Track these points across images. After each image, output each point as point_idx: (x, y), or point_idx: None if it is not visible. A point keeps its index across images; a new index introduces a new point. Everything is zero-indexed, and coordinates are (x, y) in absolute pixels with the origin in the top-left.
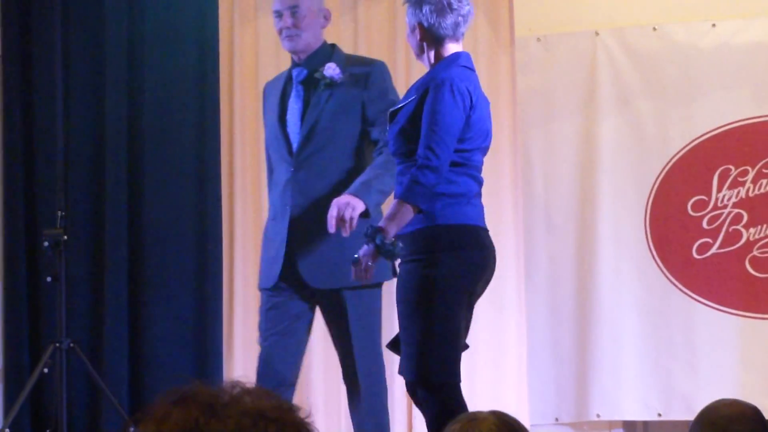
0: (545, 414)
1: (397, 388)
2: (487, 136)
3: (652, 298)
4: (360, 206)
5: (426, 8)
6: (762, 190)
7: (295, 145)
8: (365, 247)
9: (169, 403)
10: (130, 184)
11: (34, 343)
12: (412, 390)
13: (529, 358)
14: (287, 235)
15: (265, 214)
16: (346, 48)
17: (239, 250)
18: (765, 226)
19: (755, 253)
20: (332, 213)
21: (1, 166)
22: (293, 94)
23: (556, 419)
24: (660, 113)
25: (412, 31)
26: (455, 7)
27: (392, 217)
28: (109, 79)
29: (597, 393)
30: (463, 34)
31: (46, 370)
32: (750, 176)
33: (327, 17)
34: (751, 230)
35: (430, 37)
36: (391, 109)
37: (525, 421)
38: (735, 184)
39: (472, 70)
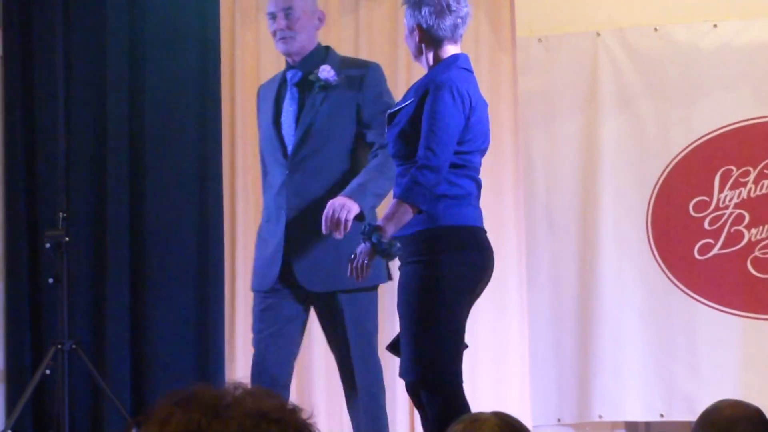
0: (547, 415)
1: (399, 389)
2: (485, 138)
3: (653, 299)
4: (355, 208)
5: (425, 10)
6: (763, 191)
7: (289, 148)
8: (362, 245)
9: (171, 405)
10: (132, 185)
11: (36, 344)
12: (413, 391)
13: (531, 359)
14: (284, 237)
15: None
16: (348, 49)
17: (241, 251)
18: (766, 226)
19: (757, 253)
20: (327, 214)
21: (3, 167)
22: (288, 96)
23: (559, 420)
24: (661, 114)
25: (411, 32)
26: (454, 8)
27: (391, 216)
28: (111, 79)
29: (599, 394)
30: (461, 36)
31: (48, 372)
32: (751, 177)
33: (321, 19)
34: (753, 231)
35: (428, 39)
36: (390, 111)
37: (527, 422)
38: (736, 184)
39: (471, 71)
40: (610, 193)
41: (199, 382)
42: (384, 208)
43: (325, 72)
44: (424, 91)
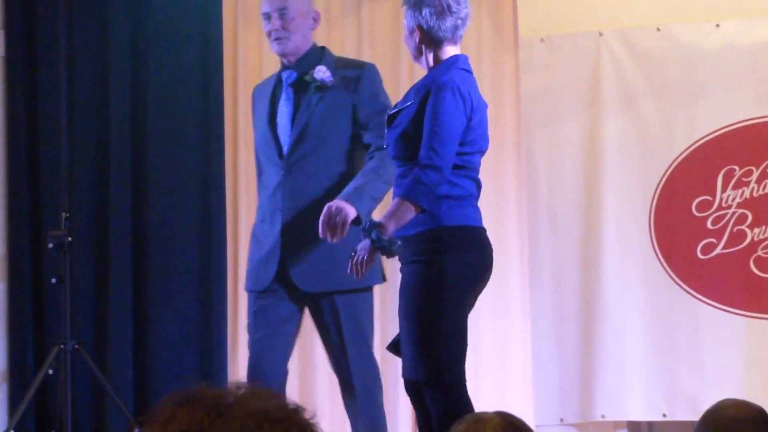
0: (550, 414)
1: (401, 388)
2: (485, 138)
3: (656, 299)
4: (352, 213)
5: (426, 11)
6: (766, 191)
7: (285, 148)
8: (363, 241)
9: (173, 405)
10: (135, 185)
11: (38, 345)
12: (413, 390)
13: (534, 359)
14: (279, 238)
15: None
16: (350, 49)
17: (243, 251)
18: None
19: (760, 253)
20: (323, 218)
21: (6, 168)
22: (283, 97)
23: (561, 420)
24: (664, 113)
25: (411, 33)
26: (454, 9)
27: (392, 214)
28: (113, 79)
29: (602, 393)
30: (461, 37)
31: (50, 372)
32: (754, 176)
33: (316, 19)
34: (756, 230)
35: (428, 40)
36: (389, 113)
37: (530, 422)
38: (739, 184)
39: (470, 72)
40: (612, 192)
41: (201, 382)
42: (382, 210)
43: (321, 72)
44: (425, 93)
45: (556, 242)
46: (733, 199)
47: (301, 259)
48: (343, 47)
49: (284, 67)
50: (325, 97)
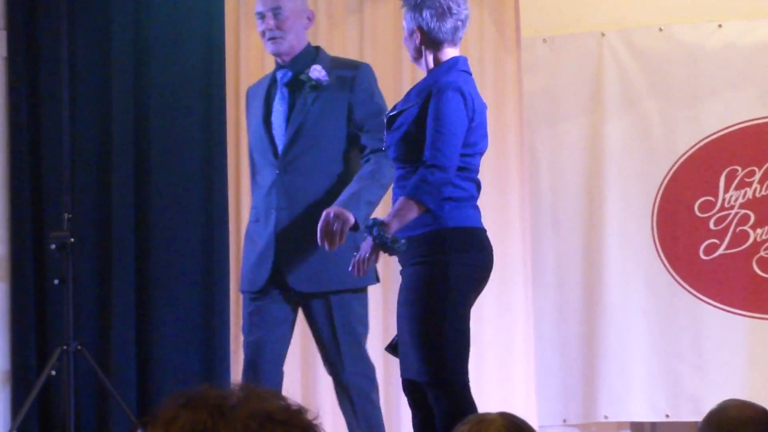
0: (553, 415)
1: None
2: (485, 139)
3: (659, 299)
4: (350, 219)
5: (426, 12)
6: None
7: (280, 147)
8: (366, 239)
9: (177, 406)
10: (137, 186)
11: (41, 346)
12: (411, 390)
13: (537, 359)
14: (273, 238)
15: None
16: (352, 49)
17: None
18: None
19: (762, 253)
20: (321, 226)
21: (8, 168)
22: (278, 96)
23: (564, 420)
24: (666, 114)
25: (411, 34)
26: (455, 11)
27: (396, 213)
28: (115, 80)
29: (605, 394)
30: (461, 39)
31: (53, 373)
32: (757, 177)
33: (310, 18)
34: (758, 231)
35: (429, 41)
36: (389, 114)
37: (533, 422)
38: (742, 184)
39: (470, 74)
40: (615, 193)
41: (204, 383)
42: (382, 211)
43: (317, 72)
44: (427, 94)
45: (558, 242)
46: (736, 200)
47: (295, 258)
48: (344, 48)
49: (279, 67)
50: (320, 96)
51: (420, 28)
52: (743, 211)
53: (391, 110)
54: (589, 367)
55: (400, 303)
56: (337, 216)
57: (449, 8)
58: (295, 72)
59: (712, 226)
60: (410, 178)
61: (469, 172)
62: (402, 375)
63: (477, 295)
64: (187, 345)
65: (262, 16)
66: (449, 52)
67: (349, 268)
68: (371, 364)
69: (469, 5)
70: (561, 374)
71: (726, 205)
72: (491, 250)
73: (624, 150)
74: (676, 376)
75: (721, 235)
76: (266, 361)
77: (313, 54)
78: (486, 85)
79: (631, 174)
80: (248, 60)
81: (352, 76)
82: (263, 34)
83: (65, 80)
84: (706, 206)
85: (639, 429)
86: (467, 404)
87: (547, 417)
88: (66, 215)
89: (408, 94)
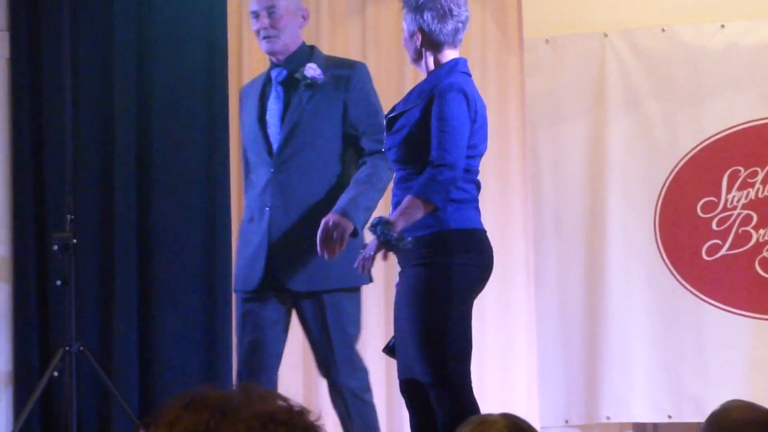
0: (555, 416)
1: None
2: (485, 141)
3: (661, 300)
4: (349, 227)
5: (427, 14)
6: None
7: (275, 146)
8: (372, 238)
9: (179, 407)
10: (139, 187)
11: (43, 347)
12: (409, 391)
13: (539, 360)
14: (267, 236)
15: None
16: (355, 50)
17: None
18: None
19: (765, 254)
20: (321, 235)
21: (11, 170)
22: (273, 95)
23: (566, 421)
24: (669, 114)
25: (411, 36)
26: (455, 13)
27: (403, 212)
28: (118, 80)
29: (607, 395)
30: (461, 41)
31: (55, 374)
32: (759, 177)
33: (305, 17)
34: (761, 231)
35: (429, 43)
36: (389, 116)
37: (535, 423)
38: (744, 185)
39: (470, 75)
40: (617, 193)
41: (206, 384)
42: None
43: (312, 70)
44: (429, 96)
45: (561, 243)
46: (738, 200)
47: (289, 257)
48: (347, 48)
49: (273, 66)
50: (315, 95)
51: (421, 30)
52: (746, 212)
53: (391, 111)
54: (591, 367)
55: (401, 304)
56: (336, 224)
57: (450, 10)
58: (290, 70)
59: (714, 226)
60: (412, 179)
61: (470, 174)
62: (400, 376)
63: (477, 296)
64: (189, 346)
65: (256, 14)
66: (449, 54)
67: (354, 265)
68: (364, 365)
69: (470, 6)
70: (563, 375)
71: (728, 206)
72: (491, 251)
73: (626, 150)
74: (678, 377)
75: (723, 235)
76: (261, 363)
77: (308, 53)
78: (488, 85)
79: (633, 174)
80: (251, 60)
81: (347, 75)
82: (258, 32)
83: (67, 81)
84: (709, 207)
85: (641, 430)
86: (470, 405)
87: (549, 418)
88: (68, 216)
89: (408, 95)
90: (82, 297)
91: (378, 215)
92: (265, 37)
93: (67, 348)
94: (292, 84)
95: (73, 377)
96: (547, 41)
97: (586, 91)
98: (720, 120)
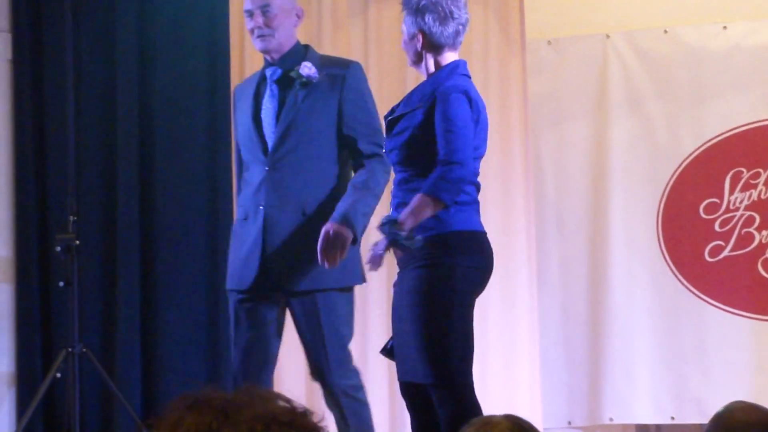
0: (558, 417)
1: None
2: (485, 143)
3: (664, 301)
4: (349, 236)
5: (429, 17)
6: None
7: (270, 145)
8: (382, 237)
9: (182, 408)
10: (142, 189)
11: (46, 348)
12: (410, 393)
13: (542, 361)
14: (262, 235)
15: None
16: (357, 51)
17: None
18: None
19: (767, 255)
20: (322, 245)
21: (13, 171)
22: (267, 93)
23: (569, 422)
24: (671, 116)
25: (411, 38)
26: (456, 15)
27: (412, 210)
28: (120, 82)
29: (610, 396)
30: (460, 43)
31: (58, 375)
32: (762, 179)
33: (299, 16)
34: (764, 233)
35: (430, 45)
36: (390, 117)
37: (538, 424)
38: (747, 186)
39: (470, 77)
40: (620, 195)
41: (209, 385)
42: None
43: (307, 69)
44: (431, 99)
45: (563, 244)
46: (741, 202)
47: (283, 256)
48: (349, 50)
49: (268, 64)
50: (310, 93)
51: (422, 32)
52: (748, 213)
53: (390, 113)
54: (594, 368)
55: (402, 305)
56: (336, 234)
57: (451, 12)
58: (284, 69)
59: (717, 227)
60: (413, 181)
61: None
62: (400, 378)
63: (477, 297)
64: (192, 347)
65: (250, 13)
66: (449, 56)
67: (364, 262)
68: (355, 366)
69: (473, 8)
70: (566, 376)
71: (731, 207)
72: (492, 253)
73: (629, 152)
74: (681, 378)
75: (726, 236)
76: (257, 363)
77: (303, 52)
78: (491, 87)
79: (636, 176)
80: (253, 61)
81: (342, 75)
82: (252, 31)
83: (70, 82)
84: (711, 208)
85: (644, 431)
86: (472, 405)
87: (552, 419)
88: (71, 217)
89: (408, 97)
90: (84, 298)
91: (387, 214)
92: (259, 36)
93: (69, 349)
94: (287, 82)
95: (76, 378)
96: (549, 42)
97: (588, 93)
98: (722, 121)
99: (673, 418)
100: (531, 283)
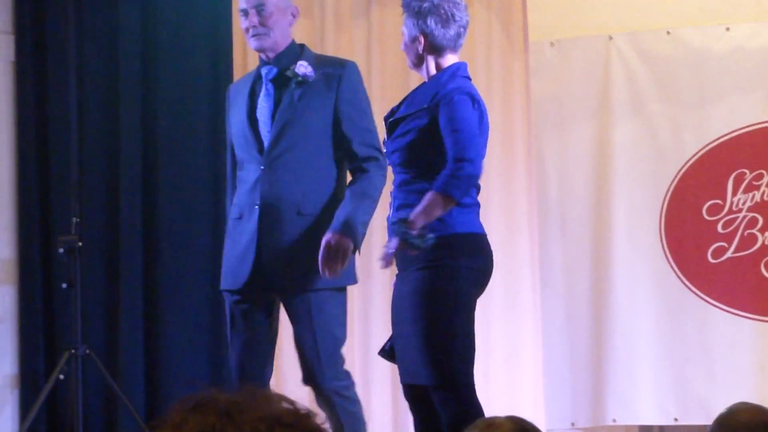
0: (561, 418)
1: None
2: (486, 145)
3: (667, 302)
4: (350, 246)
5: (431, 20)
6: None
7: (266, 144)
8: (393, 237)
9: (185, 410)
10: (145, 190)
11: (49, 350)
12: (413, 395)
13: (545, 363)
14: (257, 234)
15: None
16: (360, 52)
17: None
18: None
19: None
20: (323, 256)
21: (16, 172)
22: (263, 92)
23: (572, 424)
24: (674, 117)
25: (413, 41)
26: (457, 18)
27: (423, 209)
28: (123, 84)
29: (613, 397)
30: (461, 45)
31: (61, 377)
32: (765, 180)
33: (294, 14)
34: (767, 234)
35: (432, 48)
36: (391, 119)
37: (541, 426)
38: (750, 188)
39: (470, 79)
40: (622, 196)
41: (212, 387)
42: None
43: (303, 68)
44: (435, 100)
45: (566, 245)
46: (744, 203)
47: (277, 256)
48: (351, 51)
49: (263, 63)
50: (306, 92)
51: (424, 35)
52: (751, 215)
53: (390, 114)
54: (597, 370)
55: (403, 307)
56: (338, 245)
57: (453, 15)
58: (280, 68)
59: (720, 229)
60: (415, 183)
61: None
62: (403, 381)
63: (477, 299)
64: (195, 349)
65: (245, 13)
66: (450, 59)
67: (378, 258)
68: (347, 369)
69: (476, 9)
70: (569, 377)
71: (734, 209)
72: (492, 255)
73: (631, 153)
74: (684, 380)
75: (729, 238)
76: (252, 366)
77: (298, 51)
78: (493, 88)
79: (638, 177)
80: (255, 62)
81: (338, 75)
82: (247, 30)
83: (73, 84)
84: (714, 209)
85: None
86: (473, 406)
87: (555, 420)
88: (74, 219)
89: (410, 99)
90: (87, 300)
91: (396, 214)
92: (254, 35)
93: (72, 351)
94: (282, 81)
95: (79, 380)
96: (552, 44)
97: (591, 94)
98: (725, 122)
99: (676, 419)
100: (534, 285)
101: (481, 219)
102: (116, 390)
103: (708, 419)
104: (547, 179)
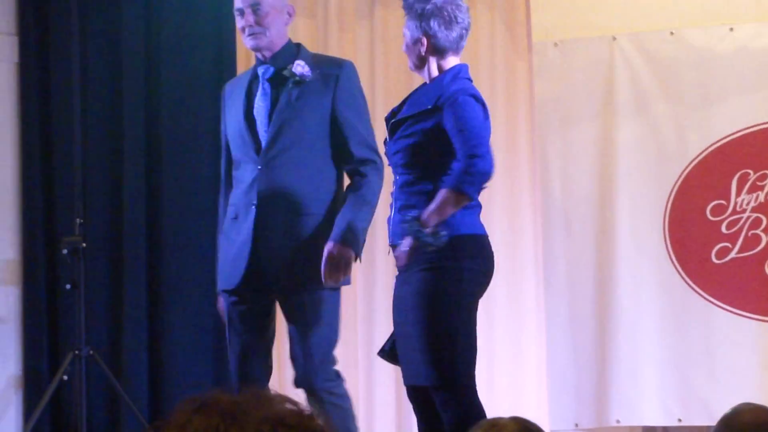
0: (565, 419)
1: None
2: None
3: (671, 303)
4: (352, 256)
5: (434, 21)
6: None
7: (263, 143)
8: (406, 237)
9: (189, 410)
10: (149, 191)
11: (53, 351)
12: (416, 397)
13: (549, 363)
14: (252, 234)
15: None
16: (363, 53)
17: None
18: None
19: None
20: (325, 266)
21: (20, 173)
22: (260, 92)
23: (576, 425)
24: (678, 118)
25: (415, 43)
26: (460, 20)
27: (437, 207)
28: (127, 85)
29: (617, 398)
30: (463, 47)
31: (65, 378)
32: None
33: (291, 14)
34: None
35: (434, 50)
36: (393, 120)
37: (545, 426)
38: (754, 188)
39: (472, 81)
40: (626, 197)
41: (216, 388)
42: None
43: (300, 67)
44: (440, 102)
45: (570, 246)
46: (748, 204)
47: (273, 256)
48: (355, 51)
49: (260, 63)
50: (303, 92)
51: (427, 37)
52: (755, 215)
53: (391, 116)
54: (601, 370)
55: (406, 308)
56: (340, 255)
57: (455, 17)
58: (277, 68)
59: (724, 229)
60: (417, 184)
61: None
62: (406, 382)
63: (479, 300)
64: (198, 349)
65: (241, 12)
66: (452, 60)
67: (392, 255)
68: (337, 370)
69: (479, 10)
70: (573, 378)
71: (738, 209)
72: (493, 256)
73: (635, 154)
74: (688, 380)
75: (733, 238)
76: (250, 366)
77: (295, 50)
78: (497, 89)
79: (642, 178)
80: None
81: (335, 74)
82: (243, 30)
83: (76, 85)
84: (718, 210)
85: None
86: (475, 407)
87: (559, 421)
88: (78, 220)
89: (411, 100)
90: (91, 301)
91: (410, 214)
92: (250, 34)
93: (76, 352)
94: (279, 81)
95: (83, 381)
96: (555, 45)
97: (594, 95)
98: (729, 123)
99: (680, 419)
100: (537, 285)
101: (485, 219)
102: (120, 391)
103: (711, 420)
104: (551, 179)
